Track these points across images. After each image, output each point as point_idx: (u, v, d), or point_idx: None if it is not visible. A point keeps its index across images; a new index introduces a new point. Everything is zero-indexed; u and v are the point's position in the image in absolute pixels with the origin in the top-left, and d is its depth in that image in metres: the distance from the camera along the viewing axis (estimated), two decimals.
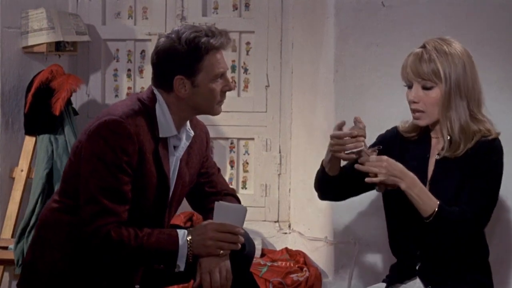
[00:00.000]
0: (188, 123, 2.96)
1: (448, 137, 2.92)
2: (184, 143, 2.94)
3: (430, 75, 2.89)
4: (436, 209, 2.82)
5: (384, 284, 3.09)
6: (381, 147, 2.91)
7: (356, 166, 2.87)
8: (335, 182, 3.05)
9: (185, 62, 2.81)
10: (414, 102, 2.94)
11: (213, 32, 2.83)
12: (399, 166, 2.85)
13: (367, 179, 2.87)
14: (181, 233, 2.82)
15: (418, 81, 2.92)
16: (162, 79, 2.86)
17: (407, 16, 3.91)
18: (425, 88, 2.92)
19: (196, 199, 3.12)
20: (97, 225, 2.73)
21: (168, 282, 3.08)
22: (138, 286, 2.98)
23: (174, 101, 2.86)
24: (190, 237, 2.81)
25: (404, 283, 3.01)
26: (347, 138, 2.88)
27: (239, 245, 2.86)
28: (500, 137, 2.96)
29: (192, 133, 2.97)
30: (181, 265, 2.80)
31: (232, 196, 3.14)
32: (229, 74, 4.45)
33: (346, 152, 2.89)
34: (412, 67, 2.92)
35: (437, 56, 2.89)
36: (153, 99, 2.87)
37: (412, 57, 2.93)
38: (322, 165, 3.05)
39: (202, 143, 3.07)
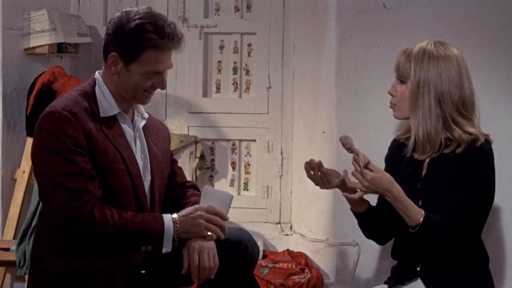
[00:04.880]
0: (141, 106, 2.98)
1: (414, 137, 2.95)
2: (140, 122, 2.95)
3: (402, 69, 2.95)
4: (421, 220, 2.85)
5: (386, 286, 3.09)
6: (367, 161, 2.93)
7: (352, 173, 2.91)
8: (367, 218, 3.09)
9: (124, 44, 2.82)
10: (391, 95, 3.02)
11: (164, 33, 2.79)
12: (384, 183, 2.87)
13: (344, 194, 2.97)
14: (166, 215, 2.83)
15: (396, 74, 3.00)
16: (104, 49, 2.89)
17: (409, 18, 3.91)
18: (400, 82, 2.98)
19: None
20: (75, 206, 2.74)
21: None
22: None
23: (111, 80, 2.88)
24: (176, 216, 2.82)
25: (406, 285, 3.02)
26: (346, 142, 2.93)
27: (223, 235, 2.86)
28: (499, 139, 2.96)
29: (146, 114, 2.99)
30: (168, 246, 2.80)
31: (193, 188, 3.15)
32: (230, 76, 4.50)
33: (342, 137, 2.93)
34: (396, 61, 2.99)
35: (415, 54, 2.94)
36: (93, 83, 2.90)
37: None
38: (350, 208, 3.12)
39: (165, 135, 3.10)
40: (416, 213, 2.86)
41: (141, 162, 2.93)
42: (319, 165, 2.99)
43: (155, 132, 3.04)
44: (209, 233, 2.83)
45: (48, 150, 2.77)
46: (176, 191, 3.09)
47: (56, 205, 2.78)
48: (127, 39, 2.80)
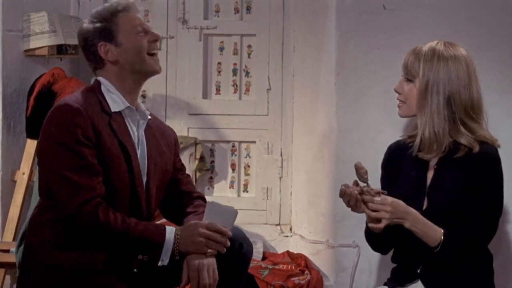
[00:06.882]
0: (142, 104, 3.02)
1: (420, 136, 2.95)
2: (142, 122, 2.98)
3: (411, 68, 2.95)
4: (442, 238, 2.84)
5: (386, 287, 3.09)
6: (386, 192, 2.89)
7: (362, 208, 2.85)
8: (380, 238, 3.05)
9: (99, 30, 2.94)
10: (398, 93, 3.01)
11: (116, 2, 3.00)
12: (402, 206, 2.85)
13: (370, 225, 2.89)
14: (170, 228, 2.84)
15: (403, 72, 3.00)
16: (91, 58, 2.97)
17: (409, 20, 3.91)
18: (407, 80, 2.98)
19: (169, 199, 3.12)
20: (78, 203, 2.76)
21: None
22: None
23: (113, 75, 2.94)
24: (179, 233, 2.83)
25: (406, 287, 3.02)
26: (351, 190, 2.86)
27: (224, 249, 2.86)
28: (500, 142, 2.96)
29: (148, 112, 3.02)
30: (165, 259, 2.81)
31: (201, 199, 3.14)
32: (230, 77, 4.50)
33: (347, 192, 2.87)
34: (404, 59, 2.99)
35: (424, 54, 2.94)
36: (97, 83, 2.96)
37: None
38: (366, 222, 3.06)
39: (170, 140, 3.11)
40: (435, 231, 2.85)
41: (139, 163, 2.94)
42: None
43: (159, 135, 3.05)
44: (209, 250, 2.84)
45: (56, 143, 2.80)
46: (183, 201, 3.09)
47: (59, 200, 2.80)
48: (96, 25, 2.95)
